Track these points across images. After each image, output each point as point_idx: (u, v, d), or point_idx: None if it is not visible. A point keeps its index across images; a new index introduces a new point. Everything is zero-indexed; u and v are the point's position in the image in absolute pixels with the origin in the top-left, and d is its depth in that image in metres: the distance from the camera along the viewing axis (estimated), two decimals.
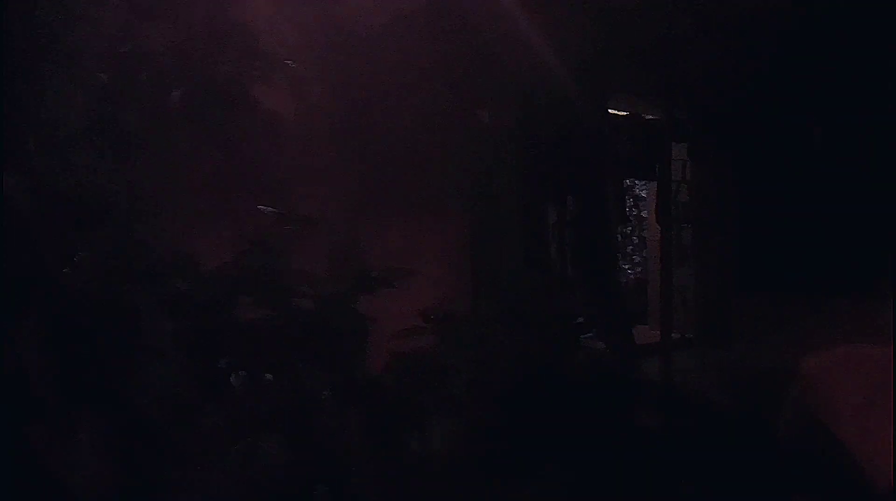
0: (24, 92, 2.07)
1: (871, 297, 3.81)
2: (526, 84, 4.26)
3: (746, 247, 4.63)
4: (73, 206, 2.05)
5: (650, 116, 5.41)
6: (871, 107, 4.14)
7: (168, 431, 2.07)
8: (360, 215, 3.33)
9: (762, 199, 4.53)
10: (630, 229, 7.24)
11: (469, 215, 4.04)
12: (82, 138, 2.14)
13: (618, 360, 3.99)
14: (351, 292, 2.47)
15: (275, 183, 2.76)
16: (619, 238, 7.20)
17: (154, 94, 2.43)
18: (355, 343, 2.42)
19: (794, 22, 4.12)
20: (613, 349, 4.24)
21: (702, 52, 4.37)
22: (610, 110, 5.19)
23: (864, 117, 4.18)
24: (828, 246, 4.14)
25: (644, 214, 6.98)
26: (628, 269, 7.32)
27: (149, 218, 2.26)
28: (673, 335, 5.00)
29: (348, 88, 3.53)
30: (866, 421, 2.84)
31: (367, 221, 3.34)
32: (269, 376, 2.32)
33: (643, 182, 6.75)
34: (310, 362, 2.35)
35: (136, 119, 2.31)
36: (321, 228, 2.70)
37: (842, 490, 2.71)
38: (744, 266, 4.64)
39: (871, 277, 3.90)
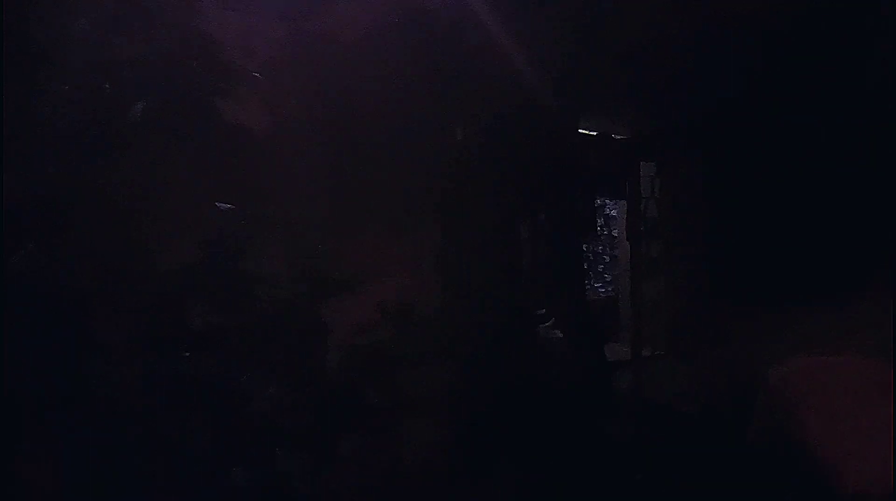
0: None
1: (837, 308, 3.90)
2: (498, 101, 4.32)
3: (715, 262, 4.70)
4: (34, 205, 2.03)
5: (619, 136, 5.50)
6: (834, 125, 4.25)
7: (119, 429, 2.04)
8: (327, 220, 3.33)
9: (730, 214, 4.61)
10: (601, 247, 7.30)
11: (440, 228, 4.06)
12: (46, 143, 2.13)
13: (587, 371, 4.02)
14: (309, 294, 2.47)
15: (241, 185, 2.76)
16: (591, 257, 7.26)
17: (120, 103, 2.43)
18: (313, 344, 2.40)
19: (760, 40, 4.22)
20: (585, 365, 4.27)
21: (670, 71, 4.46)
22: (580, 130, 5.27)
23: (827, 136, 4.28)
24: (796, 259, 4.21)
25: (615, 232, 7.06)
26: (599, 287, 7.37)
27: (110, 219, 2.25)
28: (643, 352, 5.04)
29: (322, 98, 3.54)
30: (832, 428, 2.90)
31: (336, 226, 3.34)
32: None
33: (613, 202, 6.84)
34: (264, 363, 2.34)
35: (103, 124, 2.30)
36: (281, 228, 2.70)
37: (810, 496, 2.75)
38: (713, 281, 4.70)
39: (838, 289, 3.98)
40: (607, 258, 7.46)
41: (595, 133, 5.52)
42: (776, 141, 4.45)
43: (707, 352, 4.37)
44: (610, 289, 7.27)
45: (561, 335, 3.63)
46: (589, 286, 7.40)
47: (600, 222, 7.14)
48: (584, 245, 6.68)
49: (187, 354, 2.21)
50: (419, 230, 3.77)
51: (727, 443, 3.31)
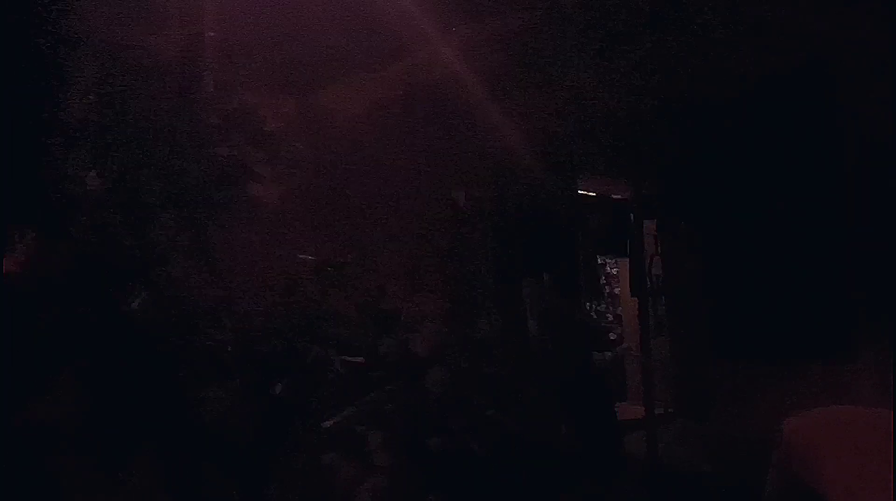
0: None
1: (841, 361, 3.92)
2: (500, 167, 4.43)
3: (720, 317, 4.73)
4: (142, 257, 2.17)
5: (618, 196, 5.61)
6: (831, 179, 4.36)
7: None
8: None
9: (732, 269, 4.67)
10: (604, 306, 7.33)
11: (447, 290, 4.11)
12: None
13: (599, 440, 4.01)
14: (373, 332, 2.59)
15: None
16: (594, 316, 7.28)
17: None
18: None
19: (757, 99, 4.38)
20: (594, 428, 4.25)
21: (667, 135, 4.59)
22: (580, 191, 5.38)
23: (824, 190, 4.39)
24: (799, 313, 4.25)
25: (617, 291, 7.10)
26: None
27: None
28: (654, 410, 5.02)
29: (328, 168, 3.66)
30: (850, 482, 2.87)
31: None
32: None
33: (614, 261, 6.90)
34: None
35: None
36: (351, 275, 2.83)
37: None
38: (718, 336, 4.72)
39: (841, 342, 4.01)
40: (610, 317, 7.48)
41: (594, 194, 5.63)
42: (775, 199, 4.55)
43: (716, 408, 4.36)
44: (615, 348, 7.27)
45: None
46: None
47: (602, 280, 7.18)
48: (588, 304, 6.72)
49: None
50: (429, 293, 3.83)
51: (744, 499, 3.28)
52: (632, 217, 5.11)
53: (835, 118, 4.40)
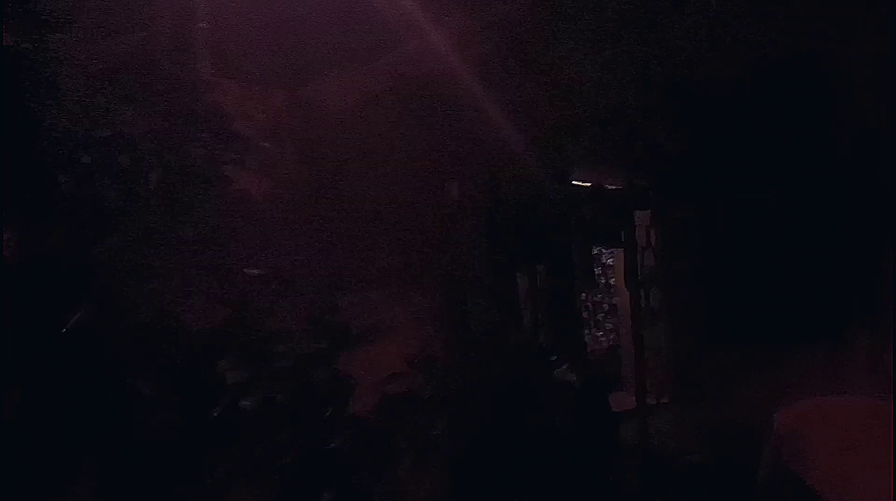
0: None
1: (835, 346, 3.93)
2: (493, 158, 4.41)
3: (714, 306, 4.75)
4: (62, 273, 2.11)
5: (613, 186, 5.59)
6: (822, 167, 4.36)
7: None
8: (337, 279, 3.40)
9: (726, 258, 4.68)
10: (600, 295, 7.34)
11: (442, 282, 4.10)
12: (69, 214, 2.23)
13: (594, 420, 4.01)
14: (329, 350, 2.53)
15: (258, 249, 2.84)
16: (590, 306, 7.29)
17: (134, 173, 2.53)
18: (336, 396, 2.45)
19: (748, 90, 4.36)
20: (588, 418, 4.26)
21: (661, 123, 4.57)
22: (574, 181, 5.36)
23: (815, 178, 4.39)
24: (792, 301, 4.27)
25: (612, 281, 7.10)
26: (601, 336, 7.38)
27: (136, 283, 2.33)
28: (648, 400, 5.02)
29: (323, 163, 3.63)
30: (839, 471, 2.89)
31: (345, 284, 3.41)
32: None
33: (610, 250, 6.90)
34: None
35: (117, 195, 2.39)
36: (301, 289, 2.77)
37: None
38: (712, 325, 4.74)
39: (836, 327, 4.02)
40: (606, 307, 7.49)
41: (589, 184, 5.62)
42: (765, 187, 4.55)
43: (711, 398, 4.37)
44: (612, 337, 7.28)
45: (575, 378, 3.66)
46: (590, 335, 7.43)
47: (598, 270, 7.18)
48: (584, 294, 6.72)
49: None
50: (423, 286, 3.82)
51: (736, 489, 3.29)
52: (624, 208, 5.10)
53: (828, 107, 4.41)
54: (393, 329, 2.78)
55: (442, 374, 2.97)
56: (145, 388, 2.14)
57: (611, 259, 7.01)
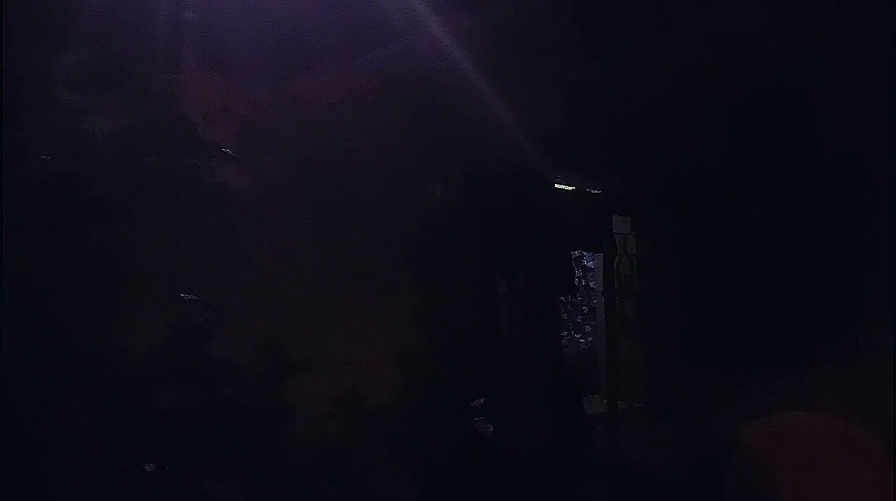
0: None
1: (809, 366, 3.96)
2: (476, 159, 4.40)
3: (690, 317, 4.76)
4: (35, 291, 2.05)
5: (595, 191, 5.60)
6: (805, 179, 4.37)
7: None
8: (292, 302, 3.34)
9: (705, 269, 4.68)
10: (579, 299, 7.36)
11: (419, 284, 4.09)
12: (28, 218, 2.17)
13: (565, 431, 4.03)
14: (270, 376, 2.49)
15: (203, 271, 2.79)
16: (570, 308, 7.30)
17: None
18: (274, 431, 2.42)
19: (731, 100, 4.37)
20: (563, 420, 4.28)
21: (644, 130, 4.57)
22: (557, 185, 5.37)
23: (797, 191, 4.40)
24: (769, 316, 4.28)
25: (592, 284, 7.12)
26: (580, 339, 7.41)
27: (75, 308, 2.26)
28: (620, 404, 5.05)
29: (300, 158, 3.60)
30: (803, 485, 2.92)
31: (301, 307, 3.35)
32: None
33: (591, 254, 6.92)
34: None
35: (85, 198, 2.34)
36: (242, 314, 2.71)
37: None
38: (688, 336, 4.75)
39: (811, 347, 4.05)
40: (586, 309, 7.51)
41: (571, 188, 5.62)
42: (746, 198, 4.56)
43: (683, 408, 4.40)
44: (590, 340, 7.31)
45: (493, 430, 3.58)
46: (569, 337, 7.45)
47: (578, 273, 7.20)
48: (563, 297, 6.73)
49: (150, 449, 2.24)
50: (394, 293, 3.80)
51: None
52: (604, 213, 5.12)
53: (817, 115, 4.39)
54: (337, 357, 2.73)
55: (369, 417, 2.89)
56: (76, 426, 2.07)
57: (591, 262, 7.04)
